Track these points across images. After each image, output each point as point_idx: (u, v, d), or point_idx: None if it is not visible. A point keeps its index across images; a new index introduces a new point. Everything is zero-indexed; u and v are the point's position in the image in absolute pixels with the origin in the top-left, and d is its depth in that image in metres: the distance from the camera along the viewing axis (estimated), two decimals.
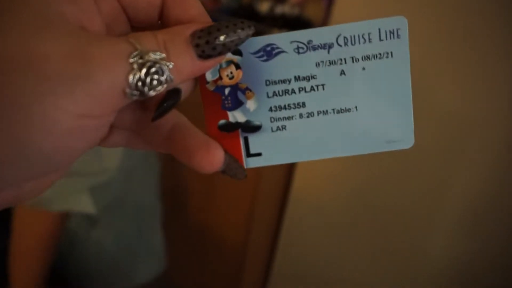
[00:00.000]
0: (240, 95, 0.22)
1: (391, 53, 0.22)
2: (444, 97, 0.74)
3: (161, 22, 0.20)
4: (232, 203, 0.99)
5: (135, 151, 0.68)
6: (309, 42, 0.21)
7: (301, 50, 0.21)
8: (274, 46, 0.21)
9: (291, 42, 0.21)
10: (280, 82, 0.22)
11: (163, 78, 0.18)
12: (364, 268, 0.96)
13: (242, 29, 0.19)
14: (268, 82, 0.22)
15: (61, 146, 0.16)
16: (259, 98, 0.22)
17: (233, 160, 0.22)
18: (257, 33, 0.20)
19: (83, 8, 0.17)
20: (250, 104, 0.22)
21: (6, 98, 0.15)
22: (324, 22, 0.81)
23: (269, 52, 0.21)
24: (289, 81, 0.22)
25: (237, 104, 0.22)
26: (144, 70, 0.17)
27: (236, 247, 1.02)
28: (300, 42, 0.21)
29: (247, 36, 0.19)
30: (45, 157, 0.16)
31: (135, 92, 0.17)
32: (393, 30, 0.21)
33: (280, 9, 0.79)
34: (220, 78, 0.22)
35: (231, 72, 0.22)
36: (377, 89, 0.22)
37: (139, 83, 0.17)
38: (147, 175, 0.77)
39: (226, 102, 0.22)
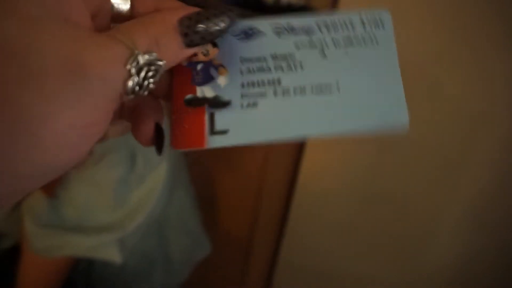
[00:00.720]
0: (212, 71, 0.21)
1: (376, 40, 0.20)
2: (450, 93, 0.72)
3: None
4: (237, 197, 0.98)
5: (166, 195, 0.65)
6: (290, 26, 0.21)
7: (281, 33, 0.21)
8: (255, 28, 0.21)
9: (272, 26, 0.21)
10: (255, 60, 0.21)
11: (157, 78, 0.17)
12: (369, 262, 0.95)
13: (229, 16, 0.19)
14: (242, 59, 0.21)
15: (57, 159, 0.15)
16: (231, 75, 0.21)
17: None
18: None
19: (70, 3, 0.17)
20: (221, 80, 0.21)
21: (3, 116, 0.14)
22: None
23: (248, 34, 0.21)
24: (265, 59, 0.21)
25: (208, 79, 0.21)
26: (142, 74, 0.17)
27: (241, 240, 1.02)
28: (282, 27, 0.21)
29: (232, 23, 0.20)
30: (42, 171, 0.16)
31: (131, 95, 0.17)
32: (377, 21, 0.21)
33: None
34: (195, 54, 0.21)
35: (207, 50, 0.21)
36: (362, 69, 0.20)
37: (136, 87, 0.17)
38: (177, 195, 0.73)
39: (196, 77, 0.21)
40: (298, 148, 0.92)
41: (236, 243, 1.05)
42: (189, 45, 0.19)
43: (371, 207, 0.89)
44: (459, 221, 0.82)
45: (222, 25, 0.19)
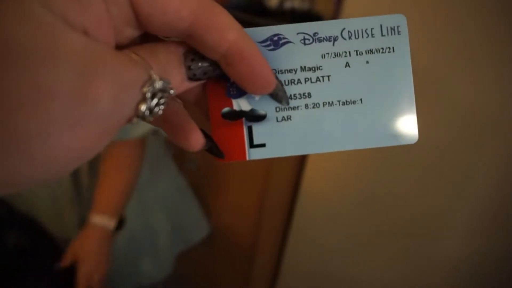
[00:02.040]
0: None
1: (393, 48, 0.22)
2: (458, 94, 0.73)
3: (190, 41, 0.19)
4: (241, 200, 1.00)
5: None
6: (315, 34, 0.22)
7: (307, 41, 0.22)
8: (281, 36, 0.22)
9: (298, 33, 0.22)
10: (286, 71, 0.22)
11: (165, 106, 0.17)
12: (375, 265, 0.94)
13: None
14: (274, 71, 0.22)
15: (41, 176, 0.14)
16: None
17: (213, 143, 0.22)
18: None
19: (89, 10, 0.15)
20: None
21: (3, 138, 0.13)
22: (334, 17, 0.79)
23: (276, 42, 0.22)
24: (295, 71, 0.22)
25: (242, 92, 0.22)
26: (155, 100, 0.16)
27: (246, 243, 1.03)
28: (306, 34, 0.22)
29: None
30: (23, 182, 0.15)
31: (139, 119, 0.16)
32: (394, 27, 0.22)
33: (289, 4, 0.78)
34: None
35: None
36: (380, 82, 0.22)
37: (147, 112, 0.16)
38: (161, 184, 0.79)
39: (231, 89, 0.22)
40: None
41: (240, 247, 1.04)
42: (191, 78, 0.19)
43: (376, 211, 0.88)
44: (465, 226, 0.81)
45: None
